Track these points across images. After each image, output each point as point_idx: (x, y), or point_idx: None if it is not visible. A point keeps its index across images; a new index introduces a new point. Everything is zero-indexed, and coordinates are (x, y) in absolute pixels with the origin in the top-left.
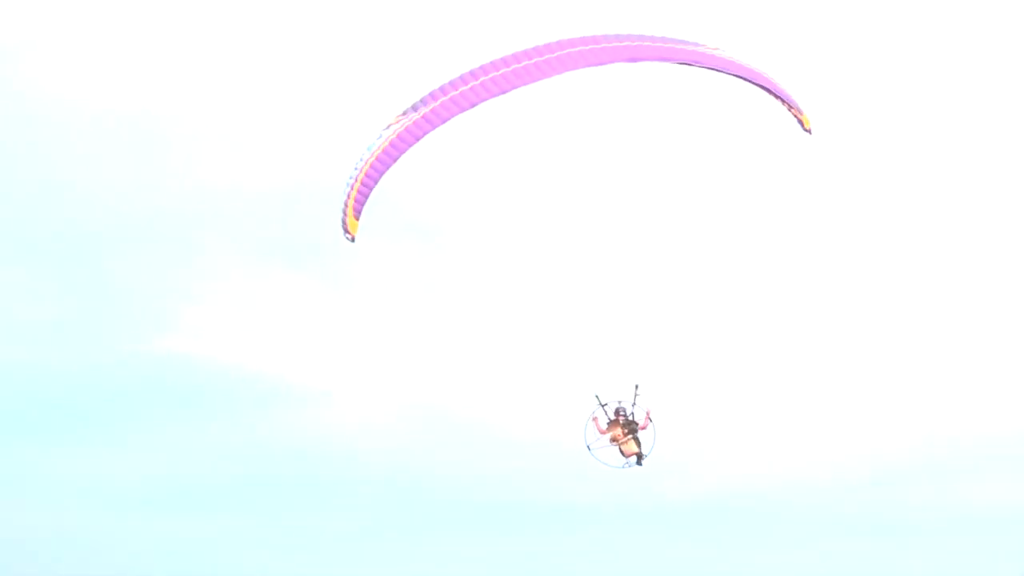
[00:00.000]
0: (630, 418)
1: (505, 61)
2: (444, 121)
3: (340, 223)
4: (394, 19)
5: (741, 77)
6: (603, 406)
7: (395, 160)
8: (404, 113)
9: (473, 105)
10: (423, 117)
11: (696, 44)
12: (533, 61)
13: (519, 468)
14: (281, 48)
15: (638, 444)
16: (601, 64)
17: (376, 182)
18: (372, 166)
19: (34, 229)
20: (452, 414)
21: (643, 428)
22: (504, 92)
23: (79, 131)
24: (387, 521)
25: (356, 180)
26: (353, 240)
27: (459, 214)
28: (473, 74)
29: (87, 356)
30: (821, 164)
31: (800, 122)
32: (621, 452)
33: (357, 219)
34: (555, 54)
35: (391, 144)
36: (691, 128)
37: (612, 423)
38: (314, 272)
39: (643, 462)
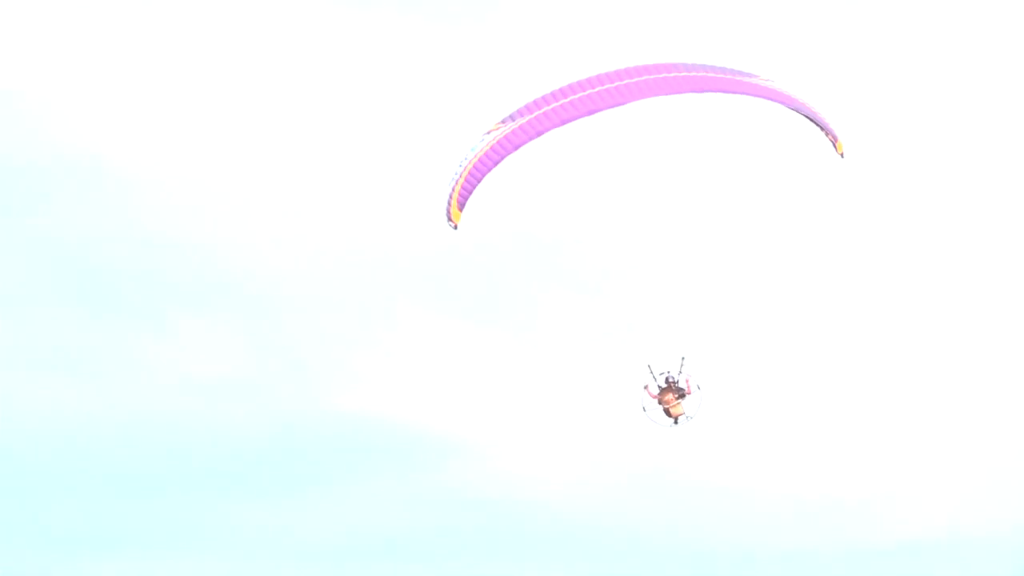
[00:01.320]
0: (679, 385)
1: (601, 80)
2: (539, 134)
3: (444, 213)
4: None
5: (789, 107)
6: (655, 376)
7: (496, 163)
8: (503, 121)
9: (565, 122)
10: (520, 127)
11: (752, 75)
12: (624, 83)
13: (713, 515)
14: (450, 105)
15: (683, 409)
16: (679, 93)
17: (479, 181)
18: (475, 166)
19: (217, 285)
20: (634, 464)
21: (688, 394)
22: (597, 111)
23: (258, 187)
24: (570, 572)
25: (460, 176)
26: (456, 228)
27: (624, 262)
28: (563, 92)
29: (268, 412)
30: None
31: (834, 147)
32: (668, 413)
33: (460, 211)
34: (639, 79)
35: (492, 149)
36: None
37: (664, 390)
38: (495, 325)
39: (679, 422)
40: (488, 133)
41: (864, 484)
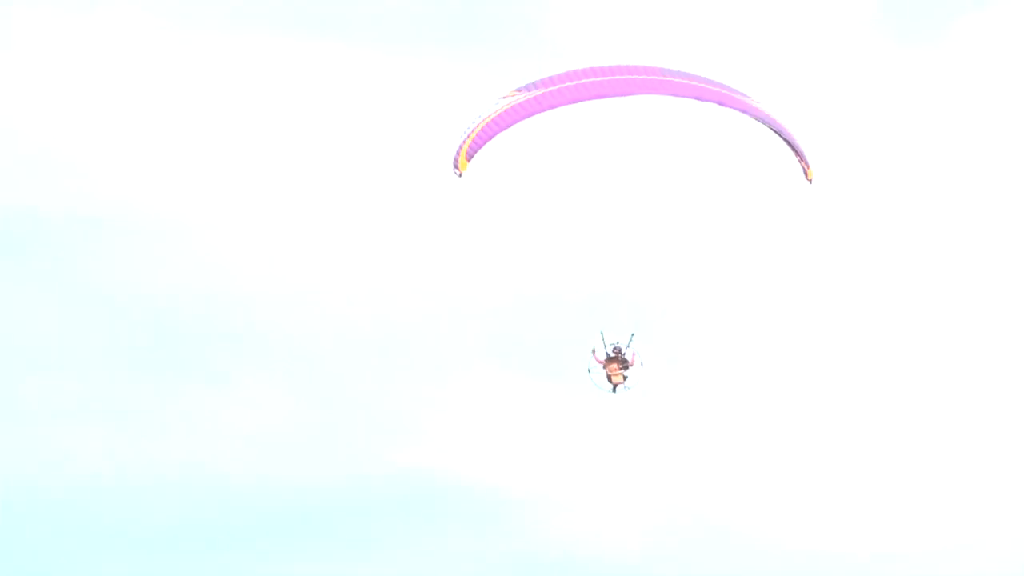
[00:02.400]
0: (624, 356)
1: (614, 70)
2: (552, 107)
3: (452, 162)
4: None
5: (769, 127)
6: (605, 345)
7: (508, 127)
8: (518, 90)
9: (577, 100)
10: (537, 99)
11: (745, 95)
12: (635, 77)
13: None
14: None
15: (624, 378)
16: (680, 96)
17: (490, 138)
18: (489, 124)
19: (279, 339)
20: (703, 520)
21: (631, 365)
22: (606, 96)
23: (321, 241)
24: None
25: (473, 131)
26: (460, 176)
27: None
28: (578, 73)
29: (331, 468)
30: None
31: (804, 173)
32: (609, 379)
33: (468, 161)
34: (649, 77)
35: (507, 111)
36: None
37: (611, 359)
38: (561, 380)
39: (617, 390)
40: (504, 98)
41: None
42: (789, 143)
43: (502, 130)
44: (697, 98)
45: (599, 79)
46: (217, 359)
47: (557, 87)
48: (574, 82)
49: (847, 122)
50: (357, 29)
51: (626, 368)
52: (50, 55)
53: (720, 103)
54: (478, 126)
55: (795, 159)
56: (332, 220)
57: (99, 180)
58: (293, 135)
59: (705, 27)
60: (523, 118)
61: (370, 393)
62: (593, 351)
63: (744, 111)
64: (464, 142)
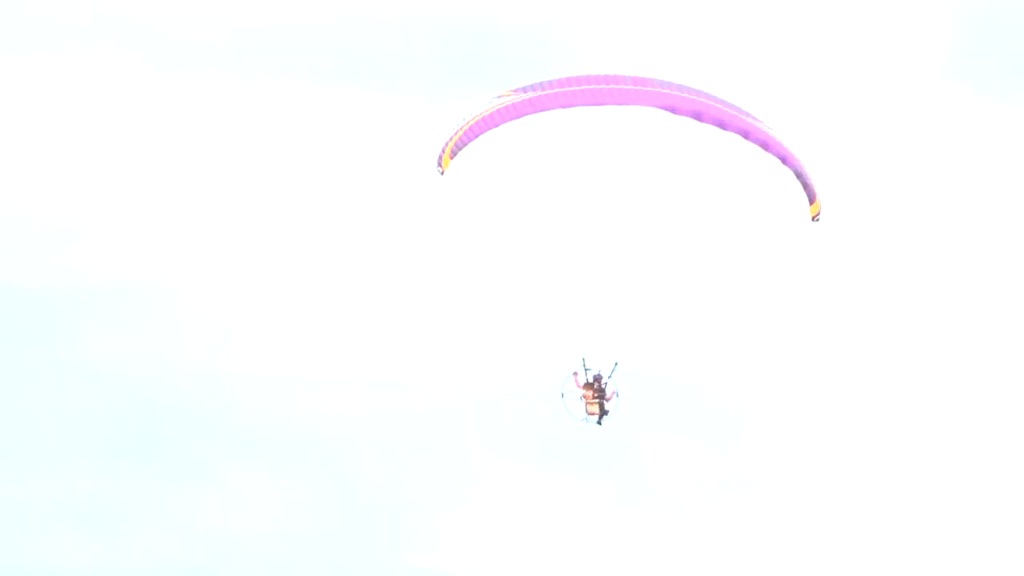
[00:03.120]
0: (603, 387)
1: (619, 79)
2: (546, 109)
3: (436, 160)
4: None
5: (776, 155)
6: (586, 370)
7: (497, 125)
8: (515, 91)
9: (572, 105)
10: (529, 100)
11: (756, 119)
12: (644, 88)
13: None
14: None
15: (601, 409)
16: (679, 113)
17: (476, 136)
18: (479, 122)
19: (279, 433)
20: None
21: (608, 399)
22: (604, 104)
23: (320, 326)
24: None
25: (462, 128)
26: (443, 174)
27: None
28: (579, 80)
29: (337, 571)
30: None
31: (809, 206)
32: (585, 409)
33: (451, 159)
34: (656, 89)
35: (499, 111)
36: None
37: (588, 385)
38: (593, 476)
39: (602, 422)
40: (499, 97)
41: None
42: (798, 174)
43: (490, 129)
44: (696, 115)
45: (599, 87)
46: (209, 453)
47: (554, 91)
48: (573, 88)
49: (910, 171)
50: (371, 75)
51: (602, 398)
52: (25, 119)
53: (721, 125)
54: (467, 124)
55: (802, 192)
56: (332, 305)
57: (78, 250)
58: (299, 203)
59: (773, 64)
60: (513, 118)
61: (379, 490)
62: (575, 373)
63: (747, 135)
64: (450, 140)
